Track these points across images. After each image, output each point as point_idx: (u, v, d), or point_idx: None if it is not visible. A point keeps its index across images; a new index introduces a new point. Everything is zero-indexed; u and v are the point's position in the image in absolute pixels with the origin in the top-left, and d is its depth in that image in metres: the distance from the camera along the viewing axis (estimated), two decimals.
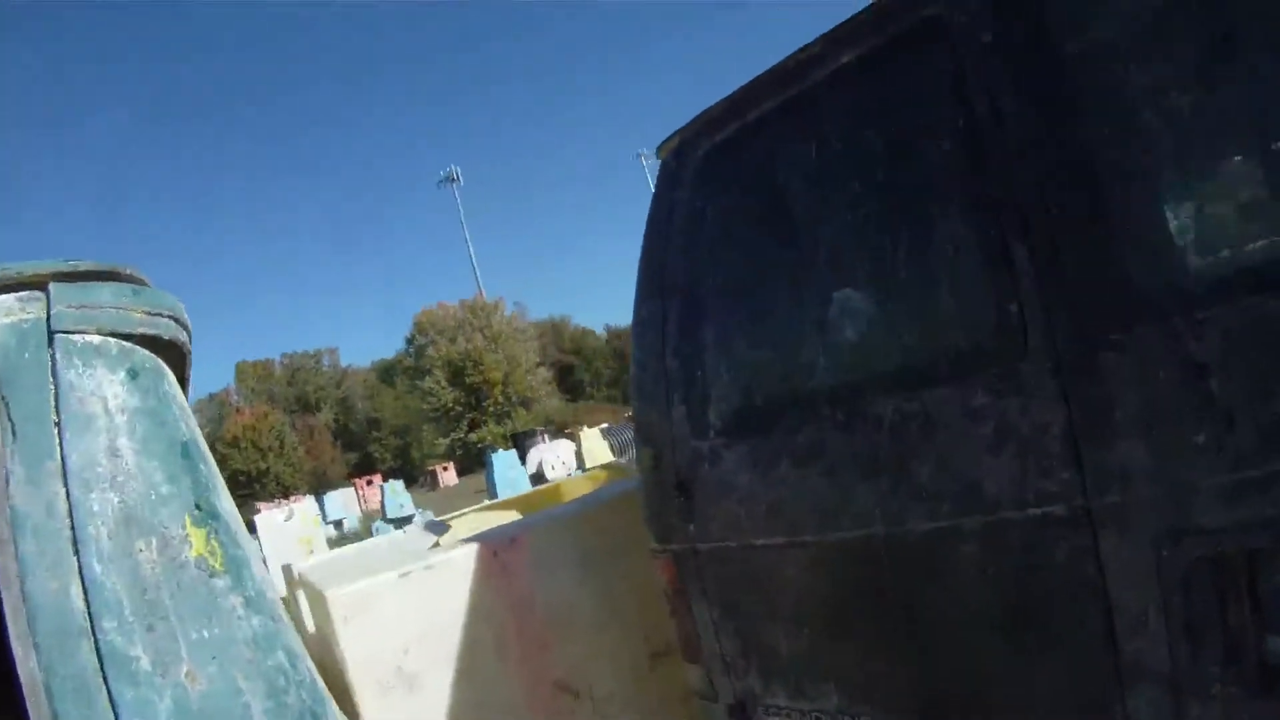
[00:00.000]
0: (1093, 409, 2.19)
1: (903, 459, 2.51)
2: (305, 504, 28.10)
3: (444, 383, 73.20)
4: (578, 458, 31.98)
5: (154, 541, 1.63)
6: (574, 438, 35.77)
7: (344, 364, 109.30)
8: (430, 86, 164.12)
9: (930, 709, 2.58)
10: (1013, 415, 2.30)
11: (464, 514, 5.87)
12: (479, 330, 74.85)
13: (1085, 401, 2.20)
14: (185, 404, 1.89)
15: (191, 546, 1.67)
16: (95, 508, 1.59)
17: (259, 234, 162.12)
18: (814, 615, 2.82)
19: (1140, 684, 2.17)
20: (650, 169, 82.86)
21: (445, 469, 62.14)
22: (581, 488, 5.98)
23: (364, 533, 29.15)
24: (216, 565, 1.69)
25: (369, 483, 55.35)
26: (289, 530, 18.79)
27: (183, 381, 2.02)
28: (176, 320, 1.90)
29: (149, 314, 1.82)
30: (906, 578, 2.56)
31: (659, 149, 3.39)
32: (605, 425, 40.04)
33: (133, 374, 1.75)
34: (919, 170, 2.58)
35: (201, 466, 1.79)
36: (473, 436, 71.81)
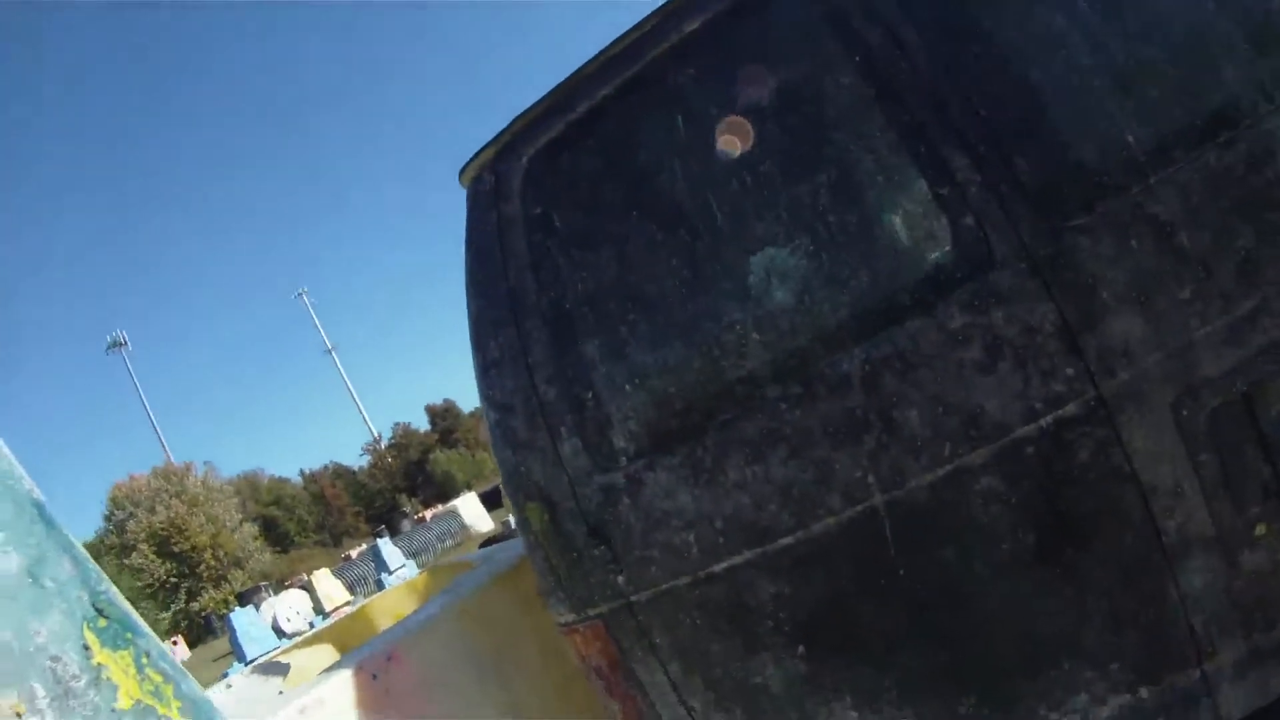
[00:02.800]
0: (1079, 295, 2.00)
1: (884, 411, 2.09)
2: None
3: (152, 555, 66.77)
4: (314, 602, 30.16)
5: (36, 693, 0.86)
6: (306, 586, 33.76)
7: None
8: (79, 246, 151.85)
9: (982, 682, 2.16)
10: (999, 326, 2.01)
11: (274, 655, 4.98)
12: (175, 496, 68.84)
13: (1069, 290, 2.00)
14: None
15: (116, 690, 0.90)
16: None
17: None
18: (814, 625, 2.29)
19: (1189, 558, 2.03)
20: (315, 305, 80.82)
21: (175, 644, 56.52)
22: (397, 602, 5.22)
23: None
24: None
25: None
26: None
27: None
28: None
29: None
30: (920, 542, 2.12)
31: (461, 173, 2.83)
32: (329, 569, 38.11)
33: None
34: (818, 114, 2.26)
35: (73, 540, 1.10)
36: (194, 605, 65.74)
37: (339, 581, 30.66)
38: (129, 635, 0.97)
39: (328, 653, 4.87)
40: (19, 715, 0.82)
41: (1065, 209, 2.03)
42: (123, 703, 0.88)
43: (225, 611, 34.34)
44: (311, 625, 25.04)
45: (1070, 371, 1.99)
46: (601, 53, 2.55)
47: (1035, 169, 2.06)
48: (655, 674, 2.50)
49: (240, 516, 73.53)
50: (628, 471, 2.41)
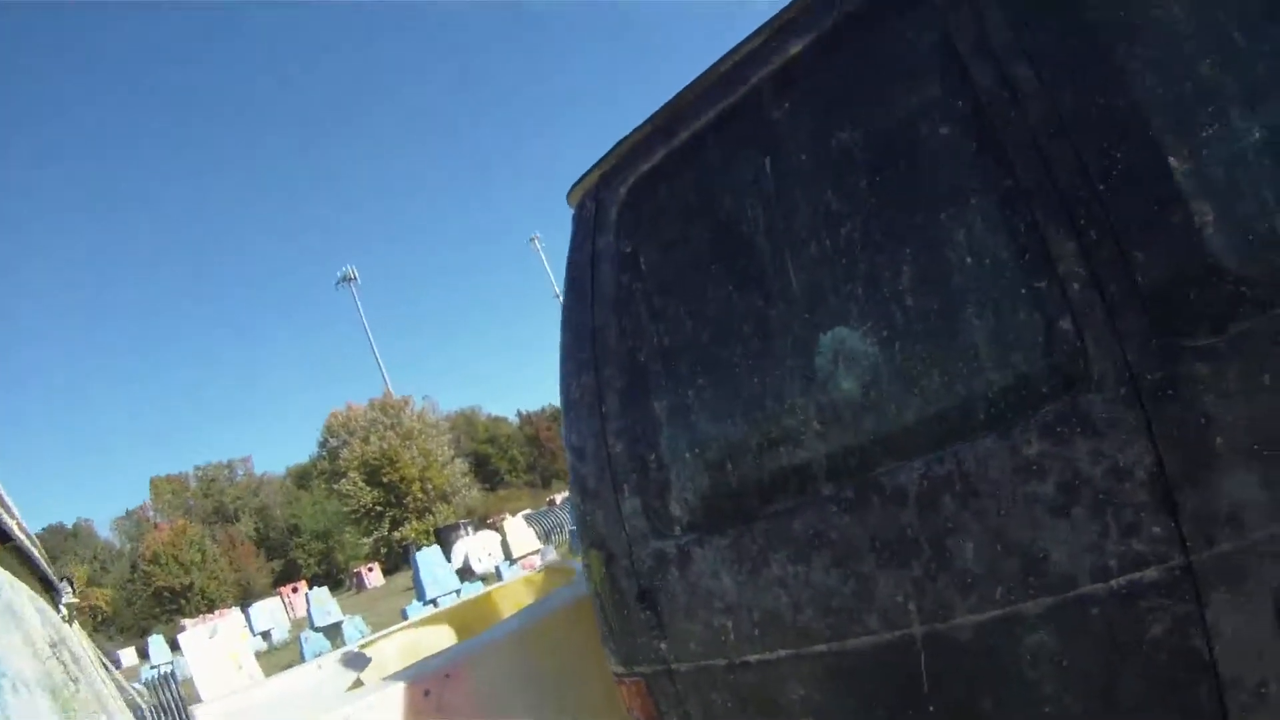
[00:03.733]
0: (1186, 439, 1.65)
1: (938, 537, 1.88)
2: (231, 617, 26.84)
3: (361, 483, 71.35)
4: (503, 547, 31.26)
5: None
6: (497, 528, 35.08)
7: (258, 472, 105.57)
8: (320, 185, 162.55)
9: None
10: (1081, 463, 1.73)
11: (390, 633, 5.12)
12: (391, 428, 73.13)
13: (1175, 431, 1.66)
14: None
15: None
16: None
17: (162, 348, 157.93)
18: None
19: None
20: (546, 251, 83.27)
21: (370, 570, 60.06)
22: (518, 595, 5.28)
23: (293, 643, 27.92)
24: None
25: (294, 590, 53.19)
26: (215, 647, 17.65)
27: None
28: None
29: None
30: (956, 684, 1.92)
31: (569, 194, 2.77)
32: (528, 512, 39.30)
33: None
34: (913, 167, 1.99)
35: None
36: (396, 534, 69.71)
37: (531, 529, 31.54)
38: None
39: (444, 635, 4.96)
40: None
41: (1189, 323, 1.67)
42: None
43: (425, 544, 36.02)
44: (498, 569, 25.94)
45: (1158, 530, 1.68)
46: (708, 71, 2.40)
47: (1158, 267, 1.70)
48: None
49: (452, 452, 77.28)
50: (679, 543, 2.35)
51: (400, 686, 2.98)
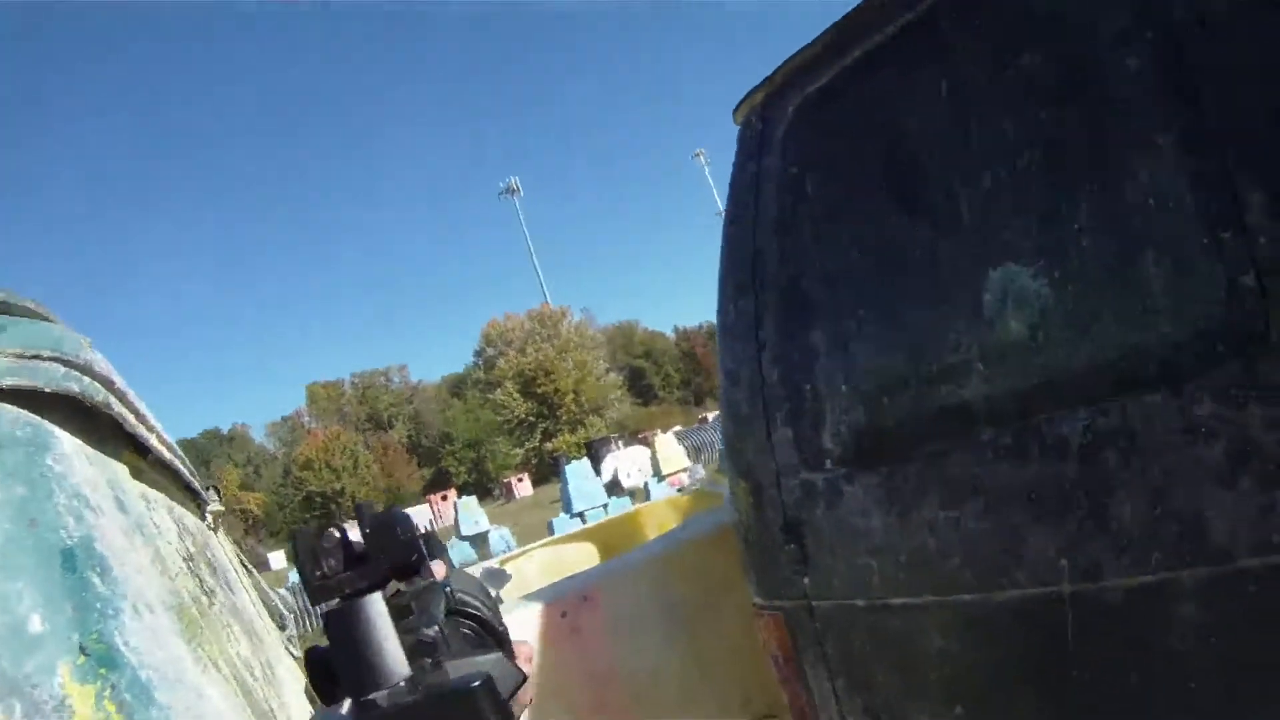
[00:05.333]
0: None
1: (1096, 493, 1.87)
2: None
3: (515, 394, 73.70)
4: (653, 463, 31.65)
5: (16, 709, 1.05)
6: (648, 443, 35.53)
7: (414, 380, 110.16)
8: (483, 98, 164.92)
9: None
10: (1254, 429, 1.67)
11: (532, 549, 5.29)
12: (547, 340, 75.02)
13: None
14: (89, 484, 1.31)
15: (73, 714, 1.07)
16: None
17: (321, 256, 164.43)
18: (973, 695, 2.19)
19: None
20: (711, 168, 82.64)
21: (520, 480, 61.98)
22: (664, 516, 5.37)
23: None
24: None
25: (444, 498, 55.31)
26: None
27: (109, 442, 1.48)
28: (67, 363, 1.31)
29: (21, 357, 1.23)
30: (1102, 649, 1.92)
31: (735, 111, 2.76)
32: (678, 428, 39.65)
33: None
34: (1097, 99, 1.93)
35: (95, 581, 1.19)
36: (547, 446, 71.95)
37: (681, 446, 31.79)
38: (102, 670, 1.12)
39: (587, 553, 5.08)
40: None
41: None
42: None
43: (575, 456, 36.83)
44: (646, 485, 26.31)
45: None
46: None
47: None
48: (822, 682, 2.54)
49: (607, 366, 78.36)
50: (830, 476, 2.39)
51: (538, 607, 3.11)
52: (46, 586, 1.13)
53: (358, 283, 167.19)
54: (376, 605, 0.71)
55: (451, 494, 54.84)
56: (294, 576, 27.23)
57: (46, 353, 1.27)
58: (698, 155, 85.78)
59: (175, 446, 2.83)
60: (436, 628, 0.77)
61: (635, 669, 3.15)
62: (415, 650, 0.73)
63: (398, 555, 0.76)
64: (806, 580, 2.48)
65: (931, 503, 2.15)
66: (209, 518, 4.37)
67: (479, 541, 25.80)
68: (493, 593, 3.09)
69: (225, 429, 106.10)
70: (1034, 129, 2.01)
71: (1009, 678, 2.13)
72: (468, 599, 0.96)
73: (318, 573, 0.74)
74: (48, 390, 1.25)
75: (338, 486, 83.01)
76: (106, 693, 1.12)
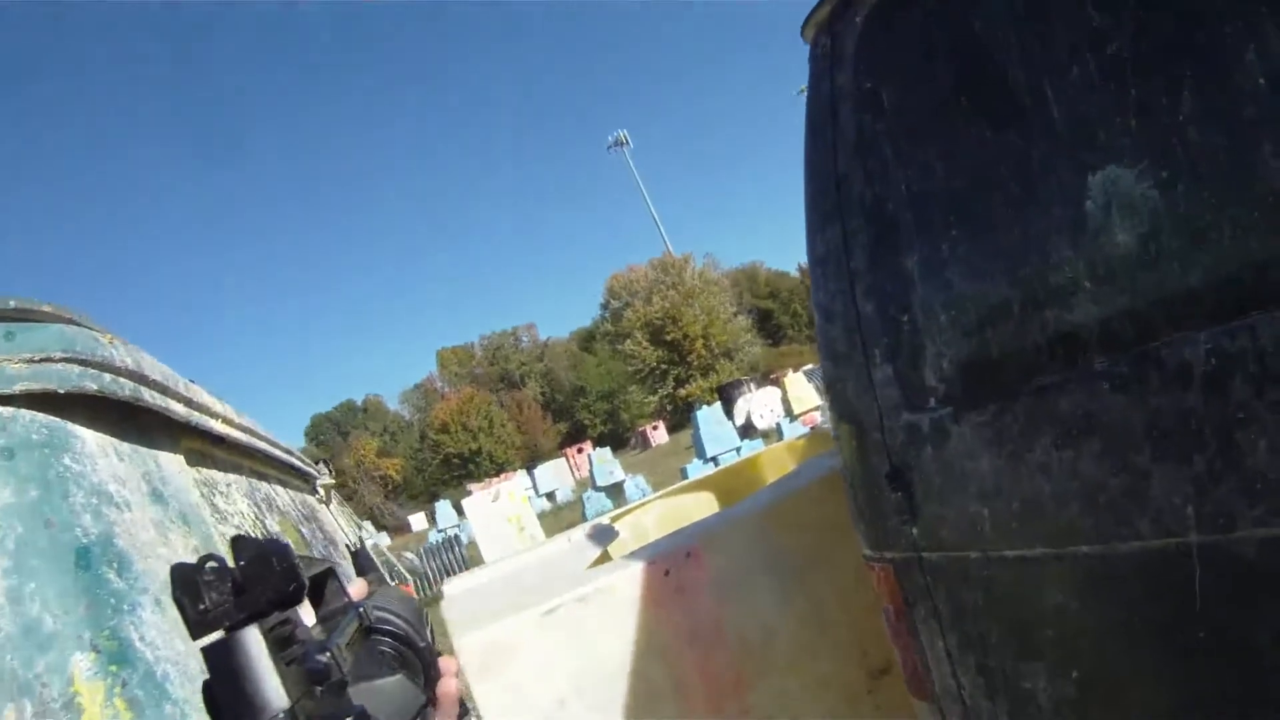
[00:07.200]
0: None
1: (1225, 428, 1.63)
2: (515, 480, 28.69)
3: (645, 343, 74.49)
4: (784, 404, 31.45)
5: (26, 708, 1.09)
6: (779, 384, 35.35)
7: (543, 337, 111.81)
8: (584, 52, 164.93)
9: None
10: None
11: (648, 502, 5.20)
12: (672, 287, 75.22)
13: None
14: (116, 479, 1.36)
15: (81, 712, 1.12)
16: None
17: (442, 226, 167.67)
18: (1091, 653, 1.99)
19: None
20: None
21: (655, 428, 62.41)
22: (784, 460, 5.21)
23: (576, 502, 29.51)
24: None
25: (579, 451, 56.08)
26: (498, 511, 18.84)
27: (154, 434, 1.59)
28: (84, 362, 1.33)
29: (33, 361, 1.26)
30: (1232, 609, 1.69)
31: (803, 29, 2.55)
32: (809, 367, 39.27)
33: (7, 453, 1.21)
34: None
35: (112, 577, 1.23)
36: (680, 392, 72.37)
37: (812, 385, 31.53)
38: (113, 667, 1.16)
39: (706, 503, 4.98)
40: None
41: None
42: None
43: (708, 401, 36.88)
44: (779, 426, 26.16)
45: None
46: None
47: None
48: (935, 639, 2.38)
49: (734, 308, 78.60)
50: (934, 416, 2.21)
51: (639, 566, 2.99)
52: (59, 586, 1.16)
53: (480, 250, 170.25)
54: (252, 637, 0.70)
55: (587, 446, 55.52)
56: (434, 537, 27.94)
57: (59, 354, 1.30)
58: (803, 91, 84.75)
59: (258, 429, 2.80)
60: (329, 654, 0.75)
61: (744, 627, 3.01)
62: (307, 677, 0.73)
63: (277, 585, 0.72)
64: (914, 530, 2.30)
65: (1044, 443, 1.93)
66: (320, 491, 4.42)
67: (614, 492, 26.09)
68: (600, 549, 2.97)
69: (359, 400, 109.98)
70: (1122, 10, 1.76)
71: (1132, 638, 1.91)
72: (387, 616, 0.96)
73: (200, 605, 0.70)
74: (63, 391, 1.29)
75: (474, 447, 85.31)
76: (117, 689, 1.15)
